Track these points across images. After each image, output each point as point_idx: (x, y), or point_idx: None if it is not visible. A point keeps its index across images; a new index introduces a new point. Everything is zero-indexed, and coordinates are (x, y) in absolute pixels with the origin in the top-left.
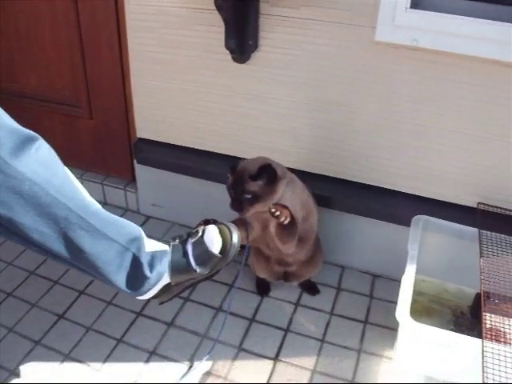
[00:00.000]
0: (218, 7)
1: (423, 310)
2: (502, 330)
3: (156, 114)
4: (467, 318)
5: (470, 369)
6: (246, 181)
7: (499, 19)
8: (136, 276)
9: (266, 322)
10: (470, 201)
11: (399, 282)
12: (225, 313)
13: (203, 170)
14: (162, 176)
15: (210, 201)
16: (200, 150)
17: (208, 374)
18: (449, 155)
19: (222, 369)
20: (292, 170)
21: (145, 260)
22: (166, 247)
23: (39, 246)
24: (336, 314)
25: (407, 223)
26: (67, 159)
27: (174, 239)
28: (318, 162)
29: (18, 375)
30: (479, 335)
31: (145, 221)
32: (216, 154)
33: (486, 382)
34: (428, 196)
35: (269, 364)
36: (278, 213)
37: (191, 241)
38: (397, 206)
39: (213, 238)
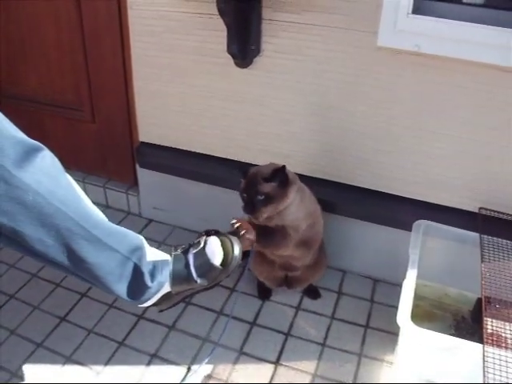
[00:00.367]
0: (221, 12)
1: (424, 314)
2: (503, 335)
3: (158, 118)
4: (468, 323)
5: (471, 374)
6: (259, 182)
7: (500, 25)
8: (137, 285)
9: (267, 325)
10: (471, 206)
11: (400, 286)
12: (227, 316)
13: (205, 174)
14: (163, 179)
15: (211, 204)
16: (202, 154)
17: (209, 377)
18: (450, 160)
19: (223, 372)
20: None
21: (146, 269)
22: (167, 256)
23: (41, 255)
24: (337, 319)
25: (408, 228)
26: (69, 162)
27: (175, 249)
28: (319, 166)
29: (19, 377)
30: (480, 340)
31: (146, 224)
32: (218, 157)
33: None
34: (429, 201)
35: (270, 368)
36: (237, 224)
37: (193, 251)
38: (398, 211)
39: (214, 250)
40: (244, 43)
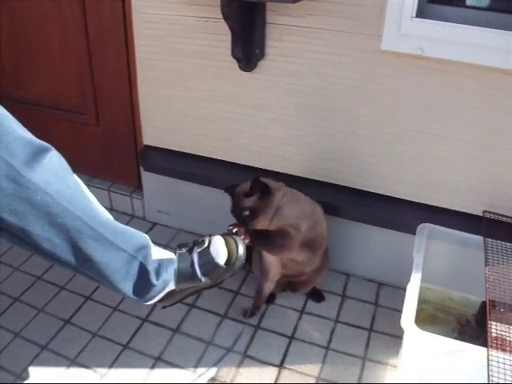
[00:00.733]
0: (225, 16)
1: (428, 318)
2: (507, 338)
3: (162, 122)
4: (472, 327)
5: (475, 378)
6: (241, 199)
7: (504, 28)
8: (143, 283)
9: (271, 329)
10: (475, 209)
11: (404, 289)
12: (228, 319)
13: (209, 177)
14: (168, 183)
15: (215, 208)
16: (206, 158)
17: (213, 380)
18: (454, 163)
19: (227, 375)
20: (297, 178)
21: (151, 268)
22: (172, 255)
23: (49, 254)
24: (341, 322)
25: (412, 231)
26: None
27: (180, 247)
28: (323, 170)
29: (24, 379)
30: (484, 344)
31: (151, 227)
32: (222, 161)
33: None
34: (433, 204)
35: (274, 371)
36: (235, 230)
37: (197, 250)
38: (402, 214)
39: (219, 249)
40: (248, 47)
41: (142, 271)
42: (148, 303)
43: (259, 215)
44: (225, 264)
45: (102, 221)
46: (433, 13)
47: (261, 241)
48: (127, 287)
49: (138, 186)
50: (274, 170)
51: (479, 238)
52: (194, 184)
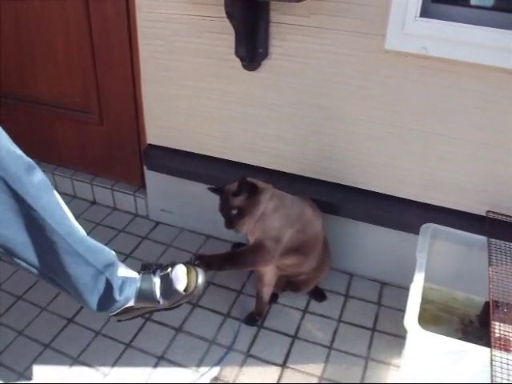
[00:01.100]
0: (229, 15)
1: (431, 318)
2: (511, 339)
3: (166, 121)
4: (475, 327)
5: (479, 378)
6: (229, 198)
7: (508, 28)
8: (106, 298)
9: (273, 328)
10: (478, 209)
11: (407, 289)
12: (232, 319)
13: (212, 176)
14: (171, 182)
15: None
16: (209, 157)
17: (216, 379)
18: (458, 163)
19: (230, 374)
20: (300, 177)
21: (116, 285)
22: (136, 274)
23: (26, 261)
24: (344, 321)
25: (416, 231)
26: (77, 164)
27: (143, 268)
28: (327, 169)
29: (27, 378)
30: (487, 344)
31: (154, 226)
32: (225, 160)
33: None
34: (437, 204)
35: (276, 370)
36: (196, 262)
37: (160, 274)
38: (405, 214)
39: (179, 276)
40: (252, 46)
41: (108, 286)
42: (106, 315)
43: (246, 215)
44: (184, 291)
45: (77, 237)
46: (437, 12)
47: (230, 265)
48: (92, 300)
49: (141, 185)
50: (277, 169)
51: (482, 238)
52: (197, 183)
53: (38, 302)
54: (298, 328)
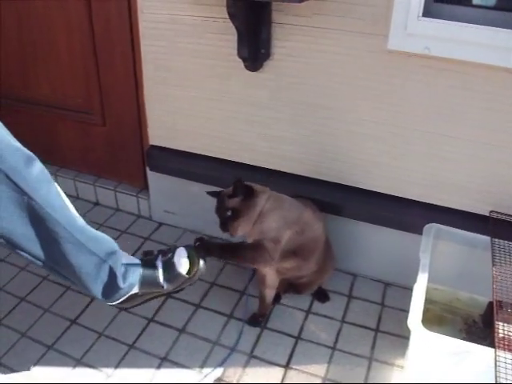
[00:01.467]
0: (231, 16)
1: (435, 318)
2: None
3: (168, 122)
4: (479, 327)
5: (483, 379)
6: (225, 200)
7: (510, 27)
8: (111, 286)
9: (277, 329)
10: (482, 209)
11: (411, 290)
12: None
13: (215, 177)
14: (174, 183)
15: None
16: (212, 157)
17: (219, 380)
18: (461, 163)
19: (234, 375)
20: (303, 178)
21: (119, 272)
22: (138, 261)
23: (28, 253)
24: (347, 322)
25: (419, 231)
26: (80, 165)
27: (145, 255)
28: (329, 169)
29: (30, 379)
30: (491, 344)
31: (157, 227)
32: (228, 161)
33: None
34: (440, 204)
35: (280, 371)
36: (197, 243)
37: (162, 259)
38: (408, 214)
39: (181, 260)
40: (254, 47)
41: (111, 274)
42: (112, 304)
43: (241, 217)
44: (186, 274)
45: (78, 226)
46: (439, 12)
47: (229, 255)
48: (97, 288)
49: (144, 186)
50: (280, 169)
51: (486, 238)
52: (200, 184)
53: (41, 303)
54: (302, 329)
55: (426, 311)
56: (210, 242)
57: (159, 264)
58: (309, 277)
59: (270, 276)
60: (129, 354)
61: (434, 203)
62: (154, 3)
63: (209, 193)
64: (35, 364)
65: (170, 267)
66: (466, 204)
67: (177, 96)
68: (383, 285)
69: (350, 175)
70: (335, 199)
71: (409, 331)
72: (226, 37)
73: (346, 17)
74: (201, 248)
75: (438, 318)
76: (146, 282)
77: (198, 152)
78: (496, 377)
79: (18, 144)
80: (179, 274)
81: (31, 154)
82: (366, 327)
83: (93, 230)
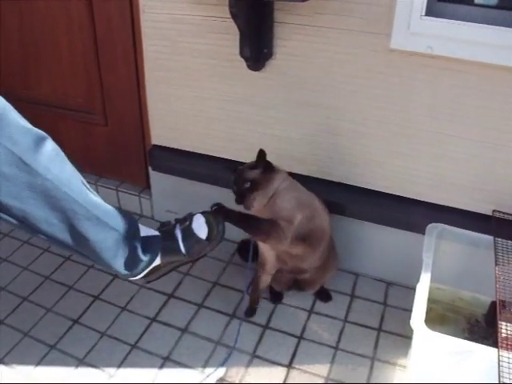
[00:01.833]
0: (233, 15)
1: (437, 317)
2: None
3: (171, 121)
4: (482, 327)
5: (485, 378)
6: (244, 171)
7: None
8: (132, 259)
9: (279, 328)
10: (485, 208)
11: (413, 289)
12: (239, 320)
13: (218, 177)
14: (176, 183)
15: None
16: (214, 157)
17: (221, 380)
18: (464, 163)
19: (236, 375)
20: (306, 178)
21: (139, 245)
22: (157, 233)
23: (48, 235)
24: (350, 322)
25: (422, 231)
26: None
27: (162, 226)
28: (333, 169)
29: (32, 379)
30: (494, 344)
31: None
32: (230, 160)
33: None
34: (443, 203)
35: (282, 371)
36: (214, 207)
37: (180, 227)
38: (411, 214)
39: (200, 225)
40: (256, 46)
41: (132, 248)
42: (135, 278)
43: (259, 189)
44: (206, 239)
45: (95, 203)
46: (442, 11)
47: (245, 223)
48: (119, 263)
49: (146, 186)
50: (283, 169)
51: (489, 238)
52: (202, 184)
53: (44, 303)
54: (304, 328)
55: (428, 311)
56: (227, 208)
57: (178, 233)
58: (312, 274)
59: (270, 262)
60: (131, 354)
61: (437, 203)
62: (155, 3)
63: (226, 167)
64: (38, 364)
65: (189, 235)
66: (468, 203)
67: (179, 96)
68: (386, 284)
69: (353, 175)
70: (338, 199)
71: (411, 331)
72: (228, 36)
73: (349, 16)
74: (219, 212)
75: (441, 317)
76: (167, 253)
77: (201, 152)
78: (499, 376)
79: (28, 125)
80: (200, 240)
81: (42, 132)
82: (368, 327)
83: (109, 206)
